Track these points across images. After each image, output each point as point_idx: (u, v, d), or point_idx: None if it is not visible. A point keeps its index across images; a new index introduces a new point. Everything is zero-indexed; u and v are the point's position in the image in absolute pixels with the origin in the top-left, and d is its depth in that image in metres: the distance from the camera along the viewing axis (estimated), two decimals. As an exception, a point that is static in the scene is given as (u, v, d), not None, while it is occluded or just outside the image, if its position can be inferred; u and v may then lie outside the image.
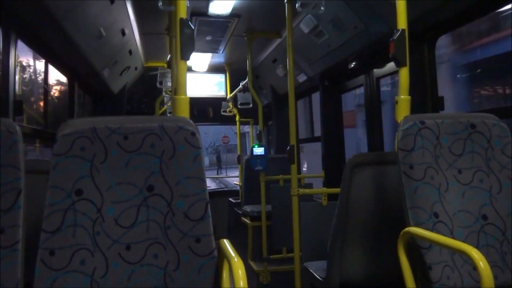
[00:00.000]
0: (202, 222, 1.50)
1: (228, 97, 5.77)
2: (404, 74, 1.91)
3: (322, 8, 2.71)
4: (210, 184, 15.48)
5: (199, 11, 3.83)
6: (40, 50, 3.35)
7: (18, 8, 2.49)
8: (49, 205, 1.40)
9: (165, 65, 4.72)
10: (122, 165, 1.48)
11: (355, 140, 11.08)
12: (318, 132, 4.87)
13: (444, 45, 7.40)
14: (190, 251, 1.47)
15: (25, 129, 3.14)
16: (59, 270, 1.38)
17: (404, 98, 1.91)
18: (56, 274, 1.37)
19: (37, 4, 2.44)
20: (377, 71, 3.76)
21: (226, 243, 1.37)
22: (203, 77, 6.22)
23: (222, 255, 1.39)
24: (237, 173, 9.12)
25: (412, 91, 1.95)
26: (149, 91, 5.92)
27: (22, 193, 1.39)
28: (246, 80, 4.65)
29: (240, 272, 1.12)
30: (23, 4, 2.44)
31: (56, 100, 5.05)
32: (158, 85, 4.73)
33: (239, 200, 5.76)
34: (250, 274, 4.35)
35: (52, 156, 1.43)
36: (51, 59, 3.60)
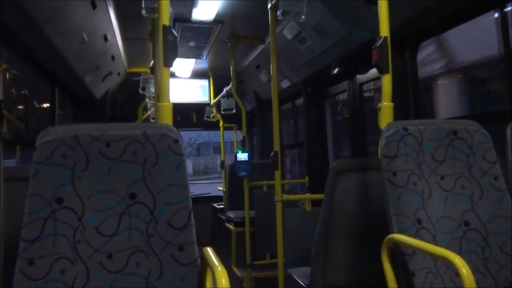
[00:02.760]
0: (185, 230, 1.48)
1: (211, 102, 5.76)
2: (386, 80, 1.93)
3: (303, 17, 2.74)
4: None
5: (183, 17, 3.81)
6: (21, 55, 3.29)
7: None
8: (29, 213, 1.37)
9: (149, 71, 4.69)
10: (104, 173, 1.46)
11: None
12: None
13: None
14: (173, 259, 1.46)
15: (5, 136, 3.09)
16: (38, 279, 1.35)
17: (387, 105, 1.92)
18: (35, 284, 1.34)
19: (17, 8, 2.40)
20: (360, 77, 3.79)
21: (210, 251, 1.35)
22: (186, 83, 6.21)
23: (205, 263, 1.38)
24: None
25: (395, 98, 1.96)
26: (132, 96, 5.87)
27: (0, 200, 1.36)
28: (230, 85, 4.65)
29: (223, 281, 1.11)
30: (3, 9, 2.40)
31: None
32: (140, 91, 4.69)
33: (223, 206, 5.74)
34: (234, 280, 4.33)
35: (32, 164, 1.41)
36: (32, 65, 3.54)
